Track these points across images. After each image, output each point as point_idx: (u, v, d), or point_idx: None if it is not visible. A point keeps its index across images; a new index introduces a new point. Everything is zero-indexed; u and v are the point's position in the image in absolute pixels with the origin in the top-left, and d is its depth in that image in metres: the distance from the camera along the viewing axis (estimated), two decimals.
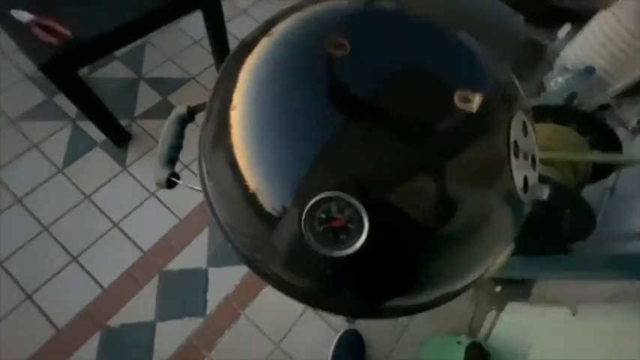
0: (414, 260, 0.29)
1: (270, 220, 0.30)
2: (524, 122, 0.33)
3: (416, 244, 0.28)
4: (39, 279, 0.96)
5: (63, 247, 1.00)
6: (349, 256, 0.27)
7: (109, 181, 1.10)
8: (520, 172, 0.31)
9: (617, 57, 1.08)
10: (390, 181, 0.27)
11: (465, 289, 0.36)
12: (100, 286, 0.97)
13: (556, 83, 1.17)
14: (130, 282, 0.98)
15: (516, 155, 0.31)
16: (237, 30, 1.32)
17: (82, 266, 0.98)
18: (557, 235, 0.80)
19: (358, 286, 0.31)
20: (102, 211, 1.06)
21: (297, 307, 1.00)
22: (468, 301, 1.05)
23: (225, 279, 1.01)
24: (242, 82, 0.34)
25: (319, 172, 0.28)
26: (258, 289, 1.01)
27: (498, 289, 1.06)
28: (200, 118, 0.45)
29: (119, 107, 1.14)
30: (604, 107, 1.15)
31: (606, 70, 1.12)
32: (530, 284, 1.01)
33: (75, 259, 0.99)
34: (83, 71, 1.21)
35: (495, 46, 0.36)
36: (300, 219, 0.27)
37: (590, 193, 0.95)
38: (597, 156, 0.74)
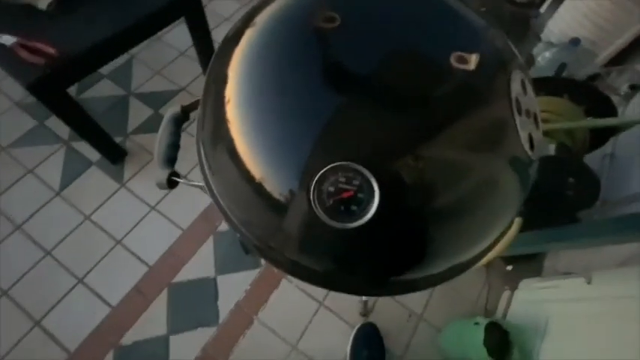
0: (427, 225, 0.28)
1: (280, 206, 0.29)
2: (522, 80, 0.32)
3: (427, 206, 0.27)
4: (46, 304, 0.94)
5: (67, 269, 0.99)
6: (363, 227, 0.26)
7: (108, 199, 1.09)
8: (525, 129, 0.31)
9: (600, 26, 1.09)
10: (396, 146, 0.27)
11: (479, 257, 0.36)
12: (109, 305, 0.95)
13: (543, 58, 1.17)
14: (138, 298, 0.96)
15: (519, 112, 0.30)
16: (222, 37, 1.32)
17: (88, 287, 0.97)
18: (563, 205, 0.80)
19: (375, 257, 0.30)
20: (104, 230, 1.04)
21: (311, 305, 0.99)
22: (481, 284, 1.05)
23: (235, 285, 1.00)
24: (233, 75, 0.33)
25: (322, 148, 0.28)
26: (270, 291, 0.99)
27: (510, 268, 1.06)
28: (194, 116, 0.44)
29: (112, 125, 1.13)
30: (594, 77, 1.16)
31: (591, 40, 1.12)
32: (541, 259, 1.01)
33: (81, 280, 0.98)
34: (72, 92, 1.21)
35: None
36: (308, 196, 0.27)
37: (590, 161, 0.95)
38: (594, 121, 0.75)
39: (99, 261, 1.00)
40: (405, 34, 0.31)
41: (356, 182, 0.26)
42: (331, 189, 0.26)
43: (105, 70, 1.28)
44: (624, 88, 1.05)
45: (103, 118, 1.05)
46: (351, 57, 0.30)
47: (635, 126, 0.91)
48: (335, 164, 0.26)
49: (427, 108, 0.28)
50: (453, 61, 0.29)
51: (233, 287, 0.99)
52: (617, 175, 0.91)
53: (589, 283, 0.76)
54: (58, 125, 1.14)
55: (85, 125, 0.99)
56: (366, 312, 0.97)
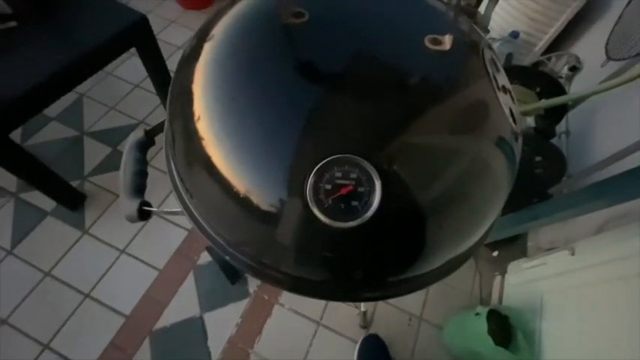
0: (434, 211, 0.26)
1: (271, 217, 0.27)
2: (492, 58, 0.33)
3: (431, 193, 0.26)
4: None
5: (28, 336, 0.87)
6: (368, 223, 0.24)
7: (70, 249, 0.98)
8: (506, 105, 0.31)
9: (533, 18, 1.19)
10: (389, 131, 0.25)
11: (479, 243, 0.35)
12: None
13: None
14: (117, 354, 0.86)
15: (498, 88, 0.31)
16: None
17: (56, 352, 0.86)
18: (534, 184, 0.83)
19: (385, 254, 0.28)
20: (68, 285, 0.94)
21: (309, 327, 0.93)
22: (472, 274, 1.05)
23: (224, 320, 0.93)
24: (199, 91, 0.31)
25: (310, 145, 0.26)
26: (263, 321, 0.93)
27: (496, 253, 1.08)
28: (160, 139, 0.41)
29: (66, 168, 1.05)
30: (536, 65, 1.25)
31: (528, 32, 1.22)
32: (524, 240, 1.04)
33: (47, 346, 0.86)
34: (16, 139, 1.11)
35: None
36: (304, 198, 0.25)
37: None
38: (547, 102, 0.79)
39: (66, 320, 0.89)
40: (376, 23, 0.30)
41: (353, 175, 0.24)
42: (328, 187, 0.24)
43: (51, 112, 1.19)
44: (565, 71, 1.13)
45: (56, 163, 0.97)
46: (325, 50, 0.28)
47: (583, 103, 0.99)
48: (329, 159, 0.24)
49: (411, 91, 0.27)
50: (427, 43, 0.29)
51: (223, 323, 0.92)
52: (575, 149, 0.97)
53: (573, 254, 0.78)
54: (3, 176, 1.03)
55: (34, 172, 0.90)
56: (366, 324, 0.94)
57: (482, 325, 0.76)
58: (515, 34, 1.22)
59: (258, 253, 0.32)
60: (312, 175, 0.24)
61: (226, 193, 0.28)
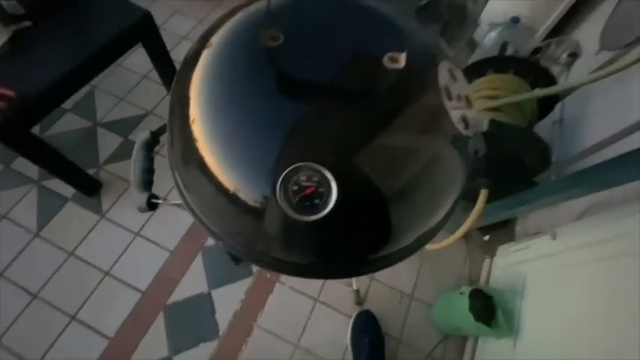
0: (384, 205, 0.32)
1: (255, 211, 0.32)
2: (450, 69, 0.37)
3: (380, 190, 0.31)
4: (41, 348, 0.93)
5: (58, 309, 0.98)
6: (328, 216, 0.30)
7: (90, 232, 1.08)
8: (457, 111, 0.35)
9: (535, 2, 1.18)
10: (344, 143, 0.30)
11: (442, 223, 0.40)
12: (106, 337, 0.95)
13: (490, 38, 1.25)
14: (135, 324, 0.97)
15: (449, 98, 0.35)
16: (181, 56, 1.31)
17: (82, 323, 0.96)
18: (521, 173, 0.87)
19: (346, 240, 0.34)
20: (90, 264, 1.04)
21: (307, 303, 1.02)
22: (463, 256, 1.11)
23: (231, 296, 1.02)
24: (195, 96, 0.36)
25: (282, 153, 0.31)
26: (265, 297, 1.02)
27: (487, 238, 1.13)
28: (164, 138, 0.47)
29: (82, 158, 1.12)
30: (537, 50, 1.25)
31: (529, 17, 1.21)
32: (513, 225, 1.08)
33: (74, 317, 0.97)
34: (36, 131, 1.19)
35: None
36: (275, 197, 0.30)
37: (543, 128, 1.04)
38: (538, 92, 0.81)
39: (89, 295, 1.00)
40: (342, 44, 0.35)
41: (315, 179, 0.30)
42: (295, 188, 0.30)
43: (66, 104, 1.26)
44: (564, 58, 1.13)
45: (73, 153, 1.04)
46: (295, 71, 0.33)
47: (576, 91, 1.00)
48: (294, 166, 0.29)
49: (368, 107, 0.32)
50: (386, 61, 0.33)
51: (229, 299, 1.01)
52: (568, 137, 0.99)
53: (554, 239, 0.83)
54: (26, 166, 1.12)
55: (54, 162, 0.98)
56: (360, 301, 1.01)
57: (465, 303, 0.83)
58: (516, 20, 1.21)
59: (247, 242, 0.38)
60: (282, 177, 0.30)
61: (216, 190, 0.33)
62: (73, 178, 1.06)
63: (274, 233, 0.34)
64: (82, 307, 0.98)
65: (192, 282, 1.03)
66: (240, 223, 0.36)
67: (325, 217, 0.30)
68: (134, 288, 1.01)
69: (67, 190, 1.11)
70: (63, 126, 1.24)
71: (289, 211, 0.30)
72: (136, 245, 1.07)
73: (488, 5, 1.27)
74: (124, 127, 1.26)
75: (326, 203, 0.30)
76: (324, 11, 0.36)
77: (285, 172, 0.29)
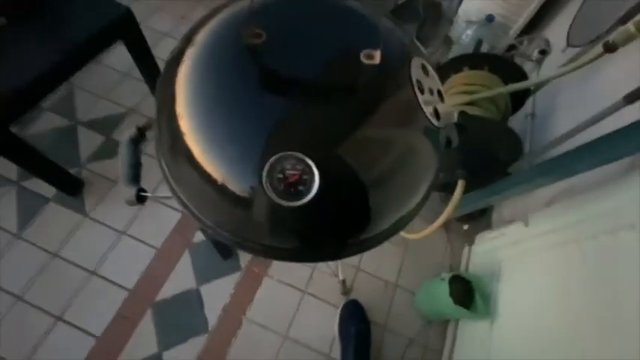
0: (362, 191, 0.34)
1: (242, 200, 0.34)
2: (422, 64, 0.40)
3: (359, 177, 0.34)
4: (27, 350, 0.92)
5: (43, 310, 0.96)
6: (311, 202, 0.32)
7: (74, 232, 1.07)
8: (429, 104, 0.38)
9: (509, 1, 1.24)
10: (324, 133, 0.33)
11: (418, 207, 0.43)
12: (93, 336, 0.95)
13: (467, 36, 1.30)
14: (124, 322, 0.97)
15: (422, 91, 0.38)
16: (164, 53, 1.30)
17: (69, 323, 0.96)
18: (495, 164, 0.92)
19: (329, 224, 0.36)
20: (75, 264, 1.03)
21: (295, 295, 1.04)
22: (444, 245, 1.16)
23: (219, 291, 1.03)
24: (180, 92, 0.38)
25: (267, 143, 0.33)
26: (254, 291, 1.04)
27: (466, 227, 1.18)
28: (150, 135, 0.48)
29: (63, 157, 1.10)
30: (511, 47, 1.31)
31: (503, 15, 1.27)
32: (490, 213, 1.14)
33: (59, 318, 0.96)
34: (13, 130, 1.16)
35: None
36: (262, 185, 0.32)
37: (517, 122, 1.09)
38: (511, 86, 0.86)
39: (75, 295, 0.99)
40: (321, 42, 0.37)
41: (299, 167, 0.32)
42: (280, 176, 0.32)
43: (46, 103, 1.23)
44: (535, 54, 1.19)
45: (53, 152, 1.03)
46: (278, 66, 0.35)
47: (546, 86, 1.06)
48: (279, 155, 0.32)
49: (347, 100, 0.35)
50: (362, 58, 0.36)
51: (217, 293, 1.03)
52: (540, 129, 1.05)
53: (526, 225, 0.88)
54: (3, 166, 1.09)
55: (34, 161, 0.97)
56: (346, 291, 1.05)
57: (445, 288, 0.87)
58: (490, 18, 1.26)
59: (237, 230, 0.40)
60: (267, 166, 0.32)
61: (205, 181, 0.35)
62: (54, 178, 1.04)
63: (262, 220, 0.36)
64: (68, 307, 0.97)
65: (180, 278, 1.04)
66: (229, 211, 0.38)
67: (309, 202, 0.32)
68: (121, 286, 1.01)
69: (49, 191, 1.09)
70: (42, 125, 1.21)
71: (275, 198, 0.32)
72: (122, 244, 1.07)
73: (464, 4, 1.32)
74: (105, 125, 1.24)
75: (309, 189, 0.32)
76: (304, 10, 0.38)
77: (272, 160, 0.31)
